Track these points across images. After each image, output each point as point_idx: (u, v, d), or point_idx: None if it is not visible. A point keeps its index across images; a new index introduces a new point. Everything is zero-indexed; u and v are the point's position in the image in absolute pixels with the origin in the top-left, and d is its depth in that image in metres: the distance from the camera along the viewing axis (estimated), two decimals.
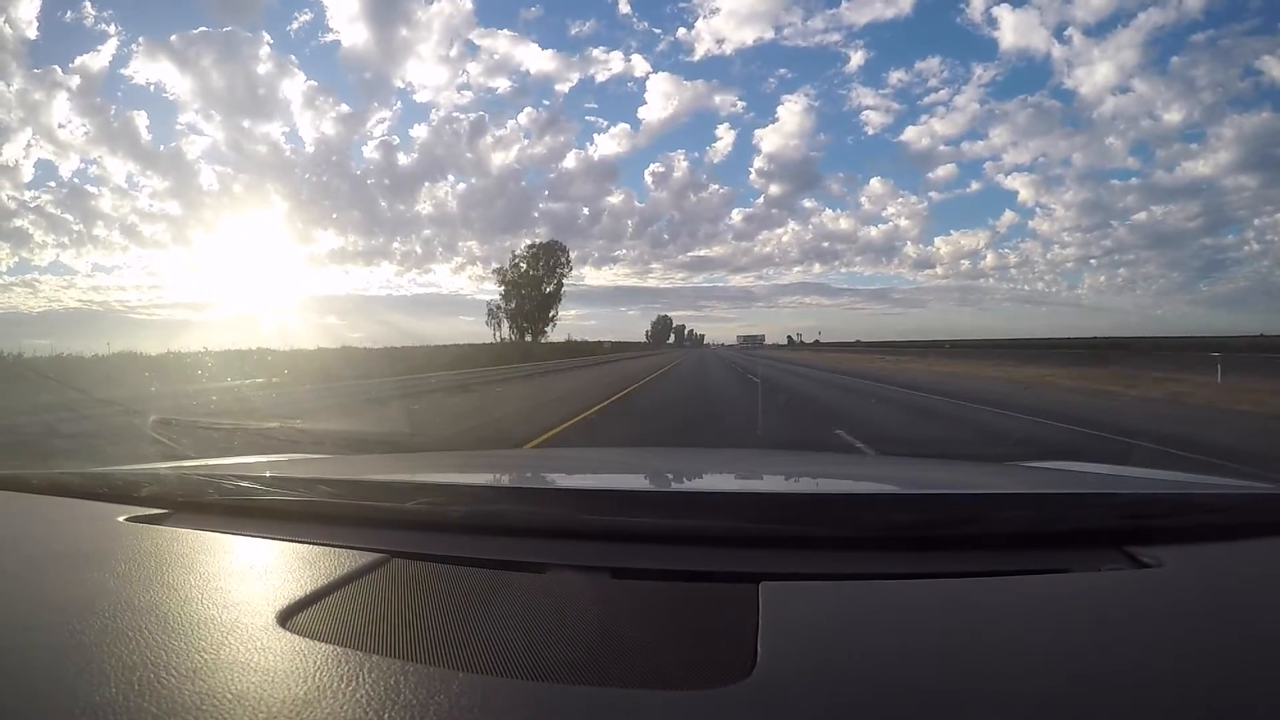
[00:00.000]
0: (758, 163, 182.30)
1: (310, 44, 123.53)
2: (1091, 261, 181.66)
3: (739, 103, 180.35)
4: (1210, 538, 0.88)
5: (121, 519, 1.01)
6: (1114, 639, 0.63)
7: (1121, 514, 0.94)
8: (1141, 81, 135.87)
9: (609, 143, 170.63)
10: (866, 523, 0.92)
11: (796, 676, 0.56)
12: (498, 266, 55.61)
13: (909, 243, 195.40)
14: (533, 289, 54.69)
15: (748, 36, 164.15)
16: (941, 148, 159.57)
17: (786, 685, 0.55)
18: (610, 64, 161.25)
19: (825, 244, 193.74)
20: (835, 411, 10.67)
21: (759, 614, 0.66)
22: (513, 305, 54.76)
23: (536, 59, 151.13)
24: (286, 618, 0.67)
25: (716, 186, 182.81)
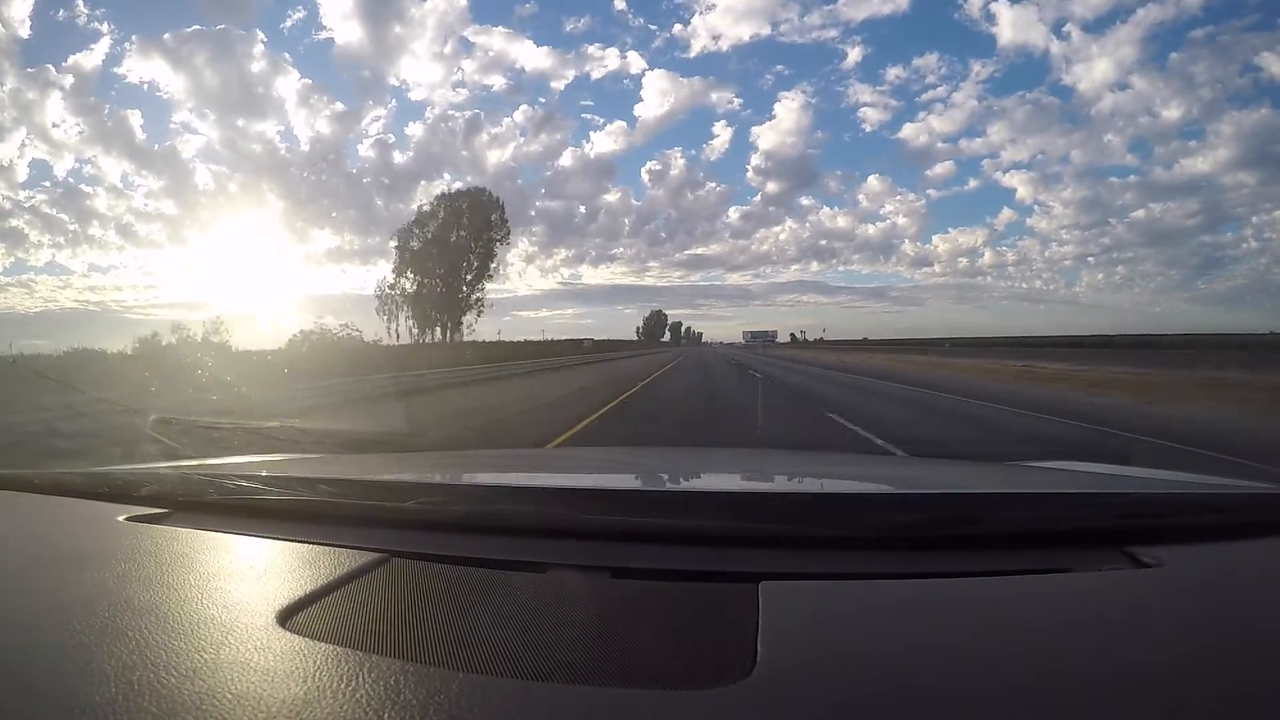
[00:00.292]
0: (755, 160, 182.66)
1: (304, 42, 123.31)
2: (1089, 259, 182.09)
3: (736, 100, 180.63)
4: (1210, 538, 0.88)
5: (121, 519, 1.01)
6: (1114, 639, 0.63)
7: (1121, 514, 0.94)
8: (1140, 78, 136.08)
9: (605, 140, 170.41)
10: (866, 523, 0.92)
11: (796, 676, 0.56)
12: (400, 229, 40.41)
13: (907, 241, 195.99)
14: (449, 260, 39.06)
15: (744, 33, 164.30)
16: (939, 145, 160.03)
17: (786, 685, 0.55)
18: (606, 61, 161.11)
19: (823, 242, 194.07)
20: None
21: (759, 614, 0.66)
22: (416, 286, 38.44)
23: (531, 56, 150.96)
24: (286, 618, 0.67)
25: (714, 184, 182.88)
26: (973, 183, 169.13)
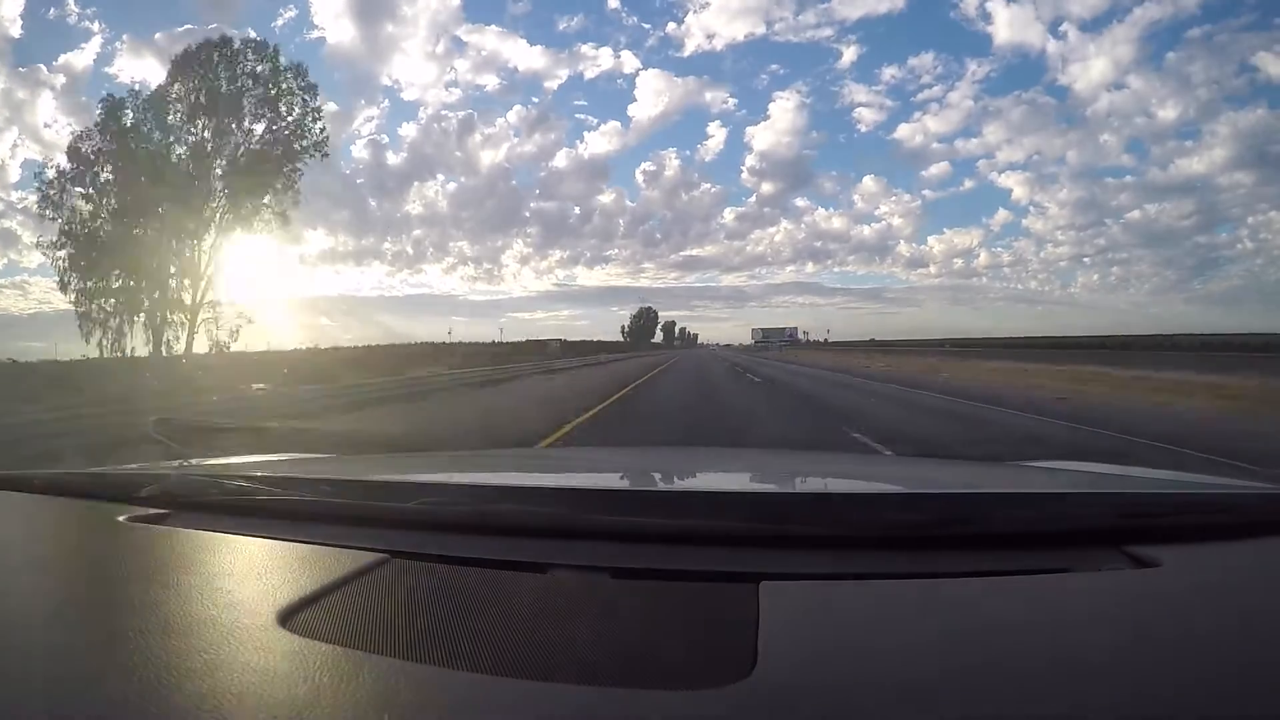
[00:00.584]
0: (750, 161, 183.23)
1: (295, 40, 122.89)
2: (1085, 260, 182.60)
3: (730, 99, 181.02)
4: (1210, 538, 0.88)
5: (121, 519, 1.01)
6: (1114, 639, 0.63)
7: (1121, 514, 0.94)
8: (1137, 78, 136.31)
9: (599, 141, 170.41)
10: (866, 523, 0.92)
11: (796, 676, 0.56)
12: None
13: (902, 241, 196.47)
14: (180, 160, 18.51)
15: (738, 32, 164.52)
16: (935, 145, 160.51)
17: (786, 685, 0.55)
18: (599, 60, 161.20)
19: (818, 243, 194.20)
20: None
21: (759, 614, 0.66)
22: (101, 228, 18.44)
23: (525, 55, 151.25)
24: (286, 618, 0.67)
25: (708, 185, 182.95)
26: (968, 183, 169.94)
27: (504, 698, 0.54)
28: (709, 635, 0.66)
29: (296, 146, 21.56)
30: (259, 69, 21.30)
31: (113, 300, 20.17)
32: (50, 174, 20.11)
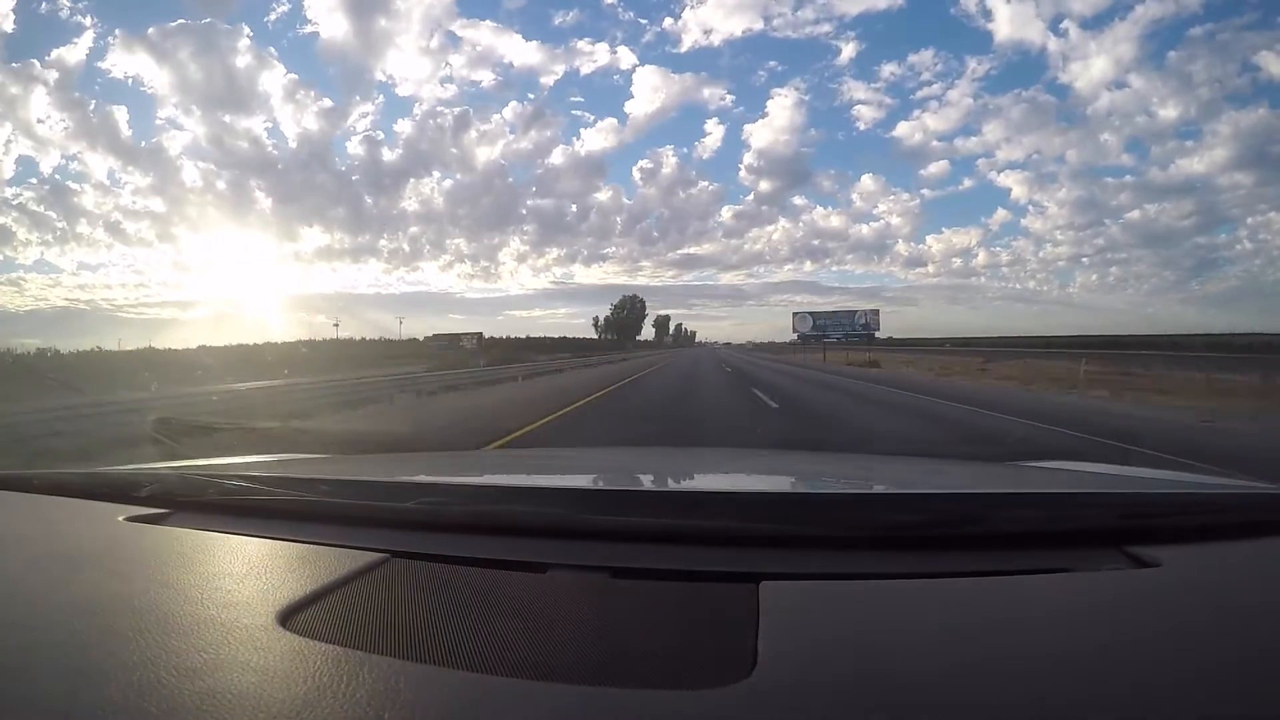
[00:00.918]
0: (747, 159, 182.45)
1: (289, 35, 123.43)
2: (1084, 260, 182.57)
3: (728, 96, 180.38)
4: (1210, 538, 0.88)
5: (121, 519, 1.01)
6: (1114, 639, 0.63)
7: (1122, 514, 0.94)
8: (1138, 76, 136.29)
9: (596, 138, 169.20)
10: (866, 523, 0.92)
11: (796, 676, 0.56)
12: None
13: (900, 241, 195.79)
14: None
15: (736, 27, 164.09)
16: (934, 143, 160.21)
17: (786, 685, 0.55)
18: (596, 56, 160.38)
19: (816, 242, 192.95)
20: None
21: (759, 614, 0.66)
22: None
23: (520, 51, 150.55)
24: (286, 618, 0.67)
25: (706, 183, 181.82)
26: (967, 182, 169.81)
27: (504, 697, 0.54)
28: (709, 635, 0.66)
29: None
30: None
31: None
32: None
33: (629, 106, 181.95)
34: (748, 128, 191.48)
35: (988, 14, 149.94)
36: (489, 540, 0.89)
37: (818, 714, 0.52)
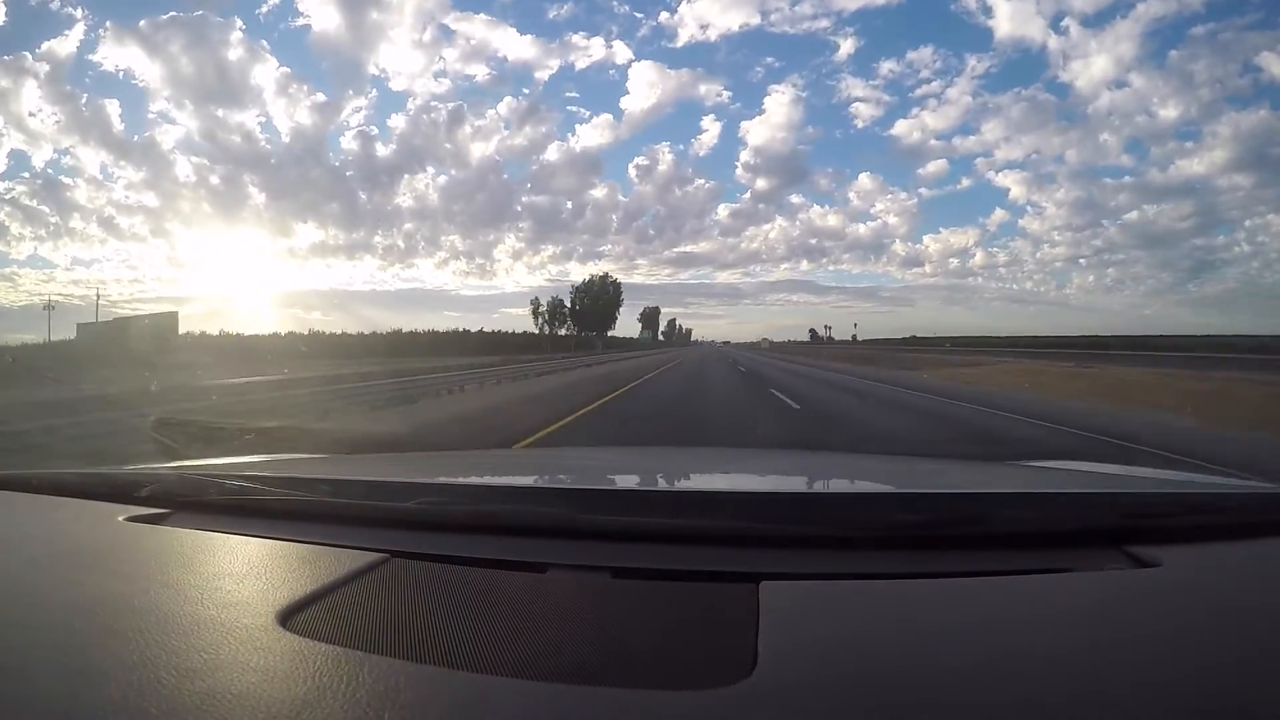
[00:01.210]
0: (744, 156, 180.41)
1: (281, 27, 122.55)
2: (1081, 261, 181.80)
3: (724, 92, 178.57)
4: (1211, 538, 0.88)
5: (121, 519, 1.01)
6: (1115, 639, 0.63)
7: (1122, 514, 0.94)
8: (1139, 75, 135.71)
9: (592, 134, 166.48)
10: (866, 523, 0.92)
11: (796, 676, 0.56)
12: None
13: (898, 240, 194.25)
14: None
15: (733, 22, 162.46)
16: (932, 142, 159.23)
17: (786, 685, 0.55)
18: (590, 50, 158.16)
19: (813, 241, 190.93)
20: None
21: (759, 614, 0.66)
22: None
23: (514, 45, 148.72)
24: (286, 618, 0.67)
25: (702, 181, 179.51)
26: (965, 182, 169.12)
27: (504, 698, 0.54)
28: (709, 635, 0.66)
29: None
30: None
31: None
32: None
33: (625, 102, 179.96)
34: (745, 125, 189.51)
35: (988, 10, 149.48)
36: (489, 540, 0.89)
37: (818, 714, 0.52)
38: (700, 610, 0.71)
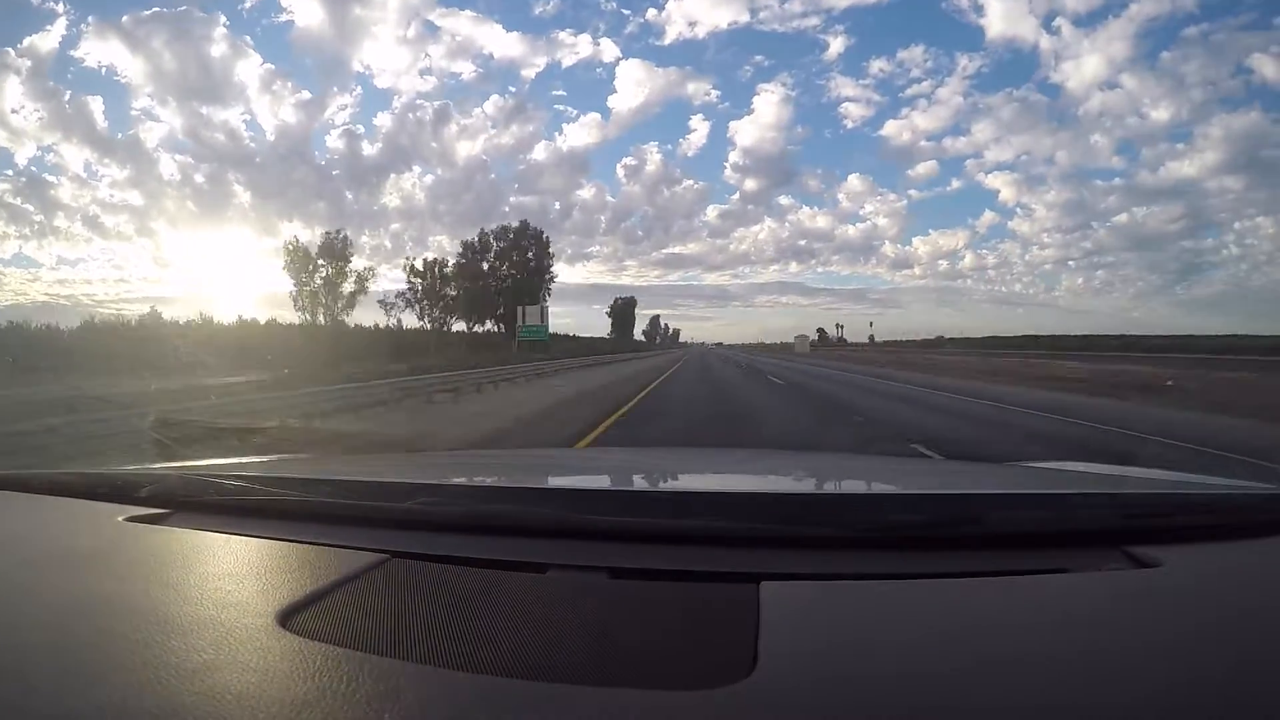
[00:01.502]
0: (733, 157, 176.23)
1: (264, 22, 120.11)
2: (1070, 263, 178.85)
3: (713, 91, 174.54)
4: (1210, 538, 0.88)
5: (121, 519, 1.01)
6: (1115, 639, 0.63)
7: (1122, 514, 0.94)
8: (1130, 76, 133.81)
9: (579, 133, 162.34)
10: (866, 523, 0.92)
11: (796, 676, 0.56)
12: None
13: (887, 242, 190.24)
14: None
15: (721, 19, 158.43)
16: (923, 143, 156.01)
17: (786, 685, 0.55)
18: (578, 48, 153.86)
19: (802, 242, 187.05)
20: None
21: (759, 614, 0.66)
22: None
23: (500, 42, 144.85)
24: (286, 618, 0.67)
25: (691, 181, 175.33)
26: (955, 183, 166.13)
27: (504, 697, 0.54)
28: (709, 635, 0.66)
29: None
30: None
31: None
32: None
33: (612, 101, 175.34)
34: (733, 125, 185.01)
35: (980, 9, 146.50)
36: (489, 540, 0.89)
37: (818, 714, 0.52)
38: (700, 610, 0.71)
